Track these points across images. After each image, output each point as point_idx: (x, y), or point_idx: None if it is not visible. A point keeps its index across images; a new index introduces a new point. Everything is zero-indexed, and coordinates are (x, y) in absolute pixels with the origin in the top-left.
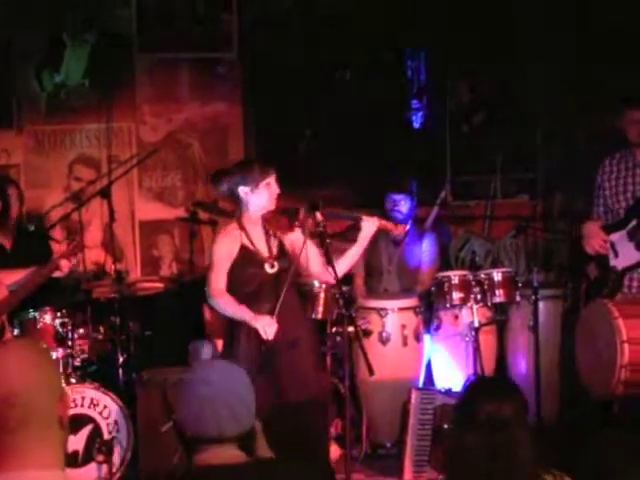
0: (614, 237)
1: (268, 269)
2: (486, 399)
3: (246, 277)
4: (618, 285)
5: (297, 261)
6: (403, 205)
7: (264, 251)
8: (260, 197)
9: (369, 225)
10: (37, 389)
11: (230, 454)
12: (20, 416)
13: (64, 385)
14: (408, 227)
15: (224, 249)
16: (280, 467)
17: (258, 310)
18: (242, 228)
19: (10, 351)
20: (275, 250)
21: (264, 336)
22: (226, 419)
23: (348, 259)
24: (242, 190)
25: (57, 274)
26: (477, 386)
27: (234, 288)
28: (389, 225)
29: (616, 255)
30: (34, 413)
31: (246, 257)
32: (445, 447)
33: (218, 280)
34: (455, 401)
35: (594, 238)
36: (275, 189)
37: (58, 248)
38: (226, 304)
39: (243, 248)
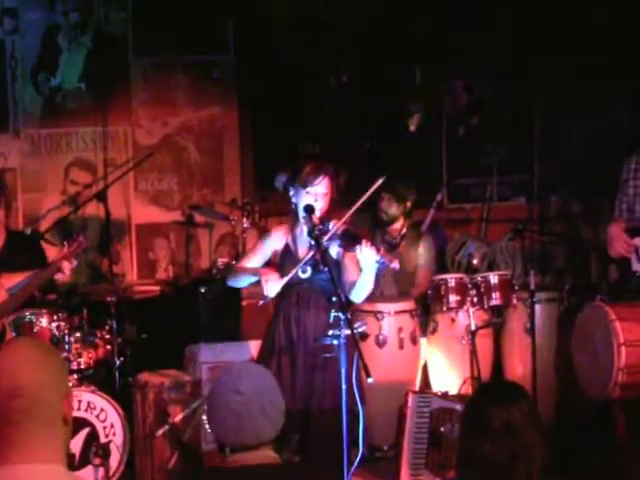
0: (638, 241)
1: (300, 273)
2: (500, 406)
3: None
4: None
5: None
6: (387, 205)
7: (302, 254)
8: (302, 202)
9: (368, 255)
10: (43, 384)
11: (265, 455)
12: (24, 408)
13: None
14: (405, 230)
15: (269, 244)
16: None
17: (297, 312)
18: (291, 227)
19: (20, 346)
20: (309, 256)
21: (265, 292)
22: (264, 426)
23: (360, 288)
24: (291, 191)
25: (58, 276)
26: (488, 393)
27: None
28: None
29: (639, 260)
30: (39, 407)
31: (286, 256)
32: (457, 453)
33: (244, 262)
34: (464, 407)
35: (617, 241)
36: (318, 198)
37: (58, 251)
38: (239, 271)
39: (286, 246)
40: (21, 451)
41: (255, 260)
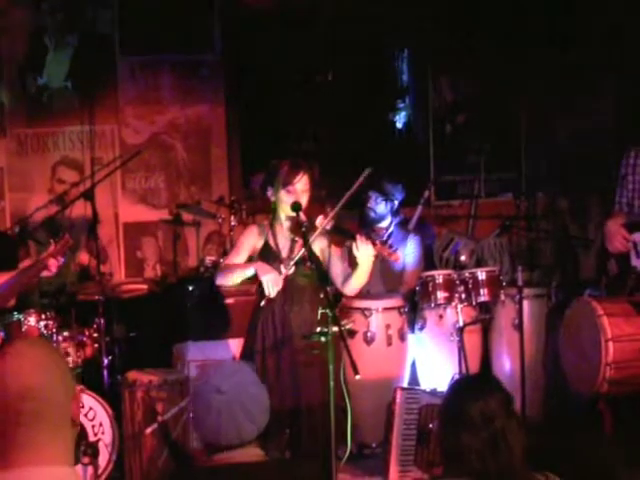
0: (637, 237)
1: (282, 269)
2: (475, 397)
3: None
4: (638, 285)
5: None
6: (374, 204)
7: (284, 252)
8: (283, 200)
9: (365, 250)
10: (52, 385)
11: (252, 453)
12: (34, 410)
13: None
14: (392, 228)
15: (249, 240)
16: (293, 466)
17: (281, 310)
18: (271, 225)
19: (26, 349)
20: (295, 253)
21: (266, 291)
22: (245, 424)
23: (355, 281)
24: (269, 191)
25: (45, 274)
26: (463, 386)
27: None
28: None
29: (637, 255)
30: (48, 408)
31: (267, 253)
32: (440, 449)
33: (231, 260)
34: (441, 403)
35: (616, 236)
36: (299, 195)
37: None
38: (230, 268)
39: (267, 244)
40: (31, 454)
41: (242, 257)
